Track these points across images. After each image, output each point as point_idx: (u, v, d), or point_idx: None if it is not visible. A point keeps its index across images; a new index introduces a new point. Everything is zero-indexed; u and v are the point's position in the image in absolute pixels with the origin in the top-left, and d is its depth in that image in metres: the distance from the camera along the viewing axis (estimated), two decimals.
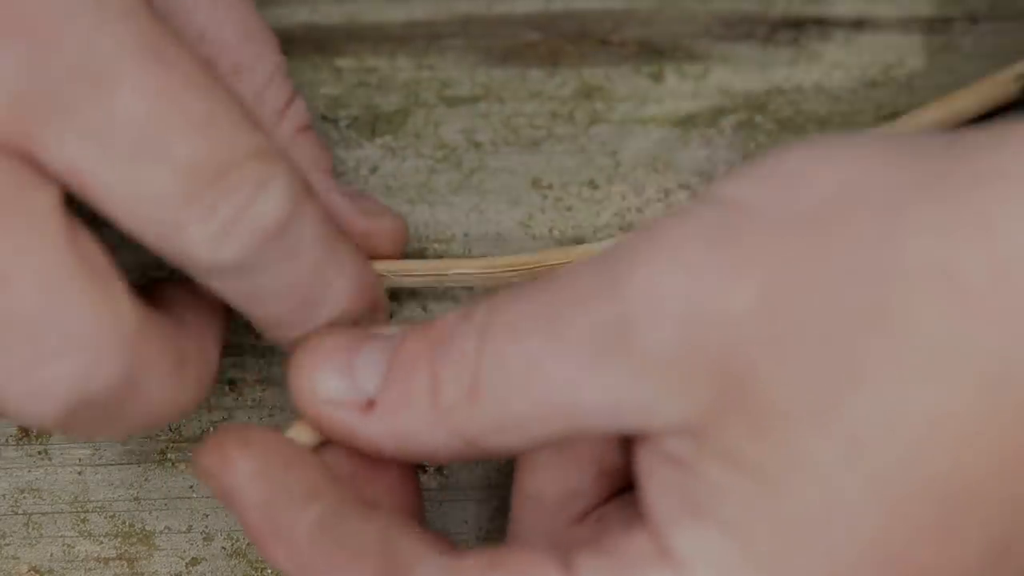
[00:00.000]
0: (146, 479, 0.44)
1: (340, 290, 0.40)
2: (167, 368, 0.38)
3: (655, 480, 0.35)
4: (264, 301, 0.39)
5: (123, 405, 0.37)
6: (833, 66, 0.50)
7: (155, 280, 0.41)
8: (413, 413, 0.37)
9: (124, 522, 0.44)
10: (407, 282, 0.44)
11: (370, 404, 0.38)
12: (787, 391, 0.33)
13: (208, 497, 0.44)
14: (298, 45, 0.48)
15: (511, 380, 0.36)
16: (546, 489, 0.39)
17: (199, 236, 0.36)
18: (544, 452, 0.39)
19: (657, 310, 0.34)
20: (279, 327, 0.40)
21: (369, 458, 0.39)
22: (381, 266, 0.43)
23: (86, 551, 0.44)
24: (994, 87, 0.46)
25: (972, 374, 0.33)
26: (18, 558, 0.44)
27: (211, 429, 0.45)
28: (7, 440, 0.44)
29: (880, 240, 0.33)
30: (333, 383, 0.38)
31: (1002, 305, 0.32)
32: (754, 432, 0.33)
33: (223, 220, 0.36)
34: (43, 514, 0.44)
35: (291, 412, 0.45)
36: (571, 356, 0.35)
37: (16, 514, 0.44)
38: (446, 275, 0.44)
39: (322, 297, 0.39)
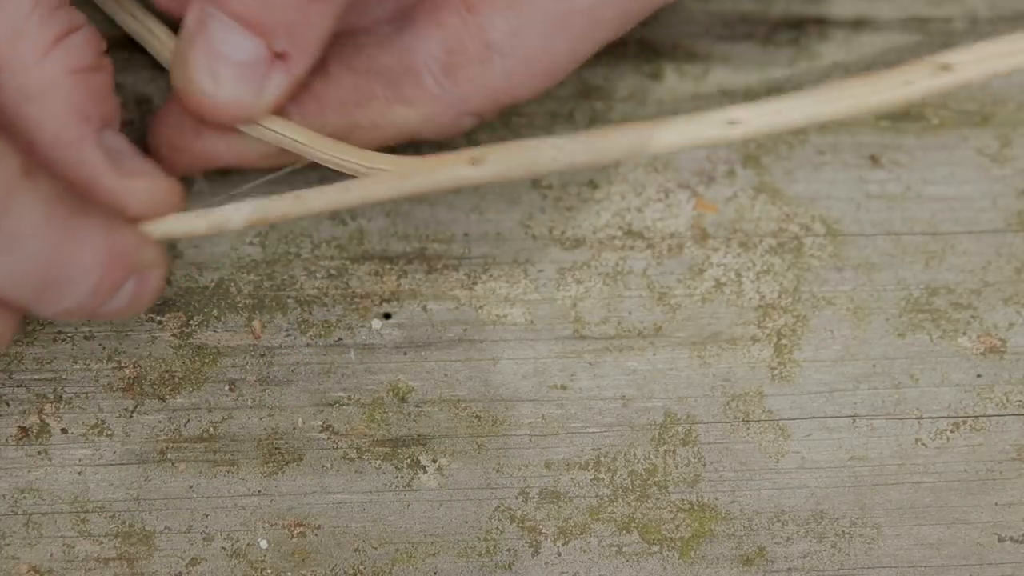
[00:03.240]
0: (146, 479, 0.44)
1: (87, 265, 0.39)
2: None
3: None
4: (2, 288, 0.38)
5: None
6: (833, 66, 0.50)
7: None
8: None
9: (124, 522, 0.44)
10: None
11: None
12: None
13: (208, 497, 0.44)
14: None
15: None
16: None
17: None
18: None
19: None
20: (33, 308, 0.39)
21: None
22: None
23: (86, 551, 0.44)
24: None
25: None
26: (18, 558, 0.44)
27: (211, 429, 0.45)
28: (7, 440, 0.44)
29: None
30: None
31: None
32: None
33: None
34: (43, 514, 0.44)
35: (291, 412, 0.45)
36: None
37: (16, 514, 0.44)
38: None
39: (66, 276, 0.38)
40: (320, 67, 0.43)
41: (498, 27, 0.43)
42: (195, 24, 0.41)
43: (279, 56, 0.41)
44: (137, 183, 0.41)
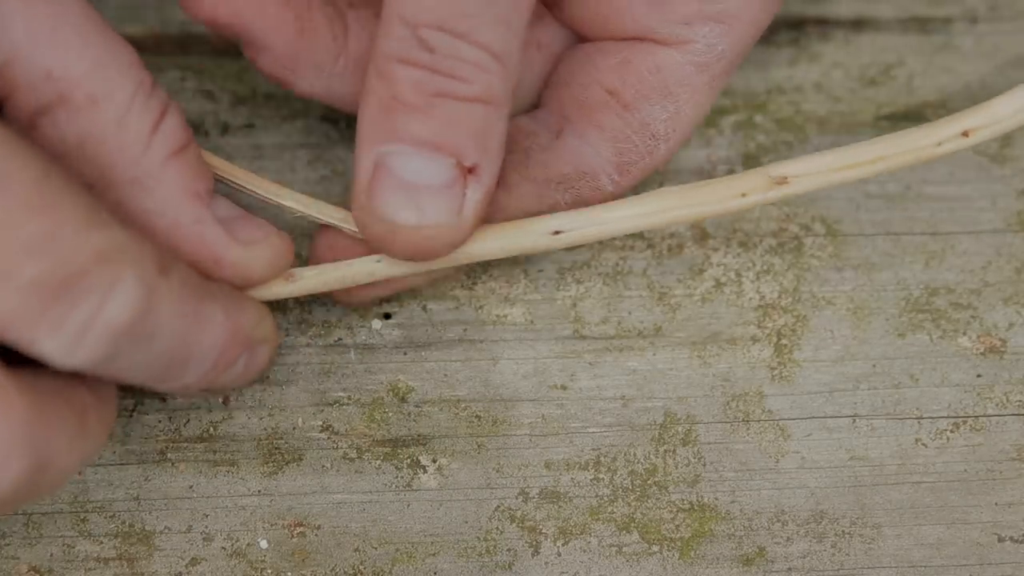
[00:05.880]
0: (146, 479, 0.44)
1: (208, 345, 0.40)
2: (71, 430, 0.38)
3: None
4: (128, 375, 0.38)
5: (38, 481, 0.37)
6: (833, 66, 0.50)
7: None
8: None
9: (124, 522, 0.44)
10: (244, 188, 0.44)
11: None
12: None
13: (208, 497, 0.44)
14: None
15: None
16: None
17: (51, 347, 0.36)
18: None
19: None
20: (152, 386, 0.40)
21: None
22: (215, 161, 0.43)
23: (86, 551, 0.44)
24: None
25: None
26: (18, 558, 0.44)
27: (211, 429, 0.45)
28: None
29: None
30: None
31: None
32: None
33: (72, 331, 0.36)
34: (43, 514, 0.44)
35: (291, 412, 0.45)
36: None
37: (16, 514, 0.44)
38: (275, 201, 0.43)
39: (189, 356, 0.39)
40: (500, 179, 0.43)
41: (659, 118, 0.45)
42: (372, 169, 0.41)
43: (471, 170, 0.41)
44: (259, 250, 0.42)
